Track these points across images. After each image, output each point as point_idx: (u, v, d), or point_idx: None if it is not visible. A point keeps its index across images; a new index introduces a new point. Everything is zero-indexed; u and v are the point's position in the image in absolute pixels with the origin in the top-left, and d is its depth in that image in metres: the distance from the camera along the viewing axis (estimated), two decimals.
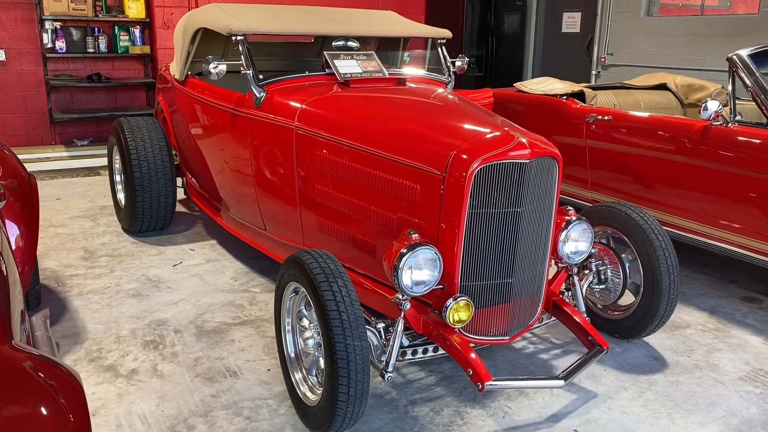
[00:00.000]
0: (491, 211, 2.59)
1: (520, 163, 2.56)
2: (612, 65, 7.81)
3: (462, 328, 2.60)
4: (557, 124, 4.67)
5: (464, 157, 2.54)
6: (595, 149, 4.47)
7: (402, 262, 2.44)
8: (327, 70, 3.65)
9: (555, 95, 4.84)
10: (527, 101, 5.00)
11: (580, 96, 4.80)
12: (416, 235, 2.52)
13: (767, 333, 3.44)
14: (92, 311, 3.58)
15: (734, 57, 3.72)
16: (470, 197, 2.53)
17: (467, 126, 2.84)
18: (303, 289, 2.51)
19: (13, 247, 3.11)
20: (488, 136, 2.63)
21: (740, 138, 3.61)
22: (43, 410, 1.38)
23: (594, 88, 4.97)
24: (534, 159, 2.58)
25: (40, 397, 1.41)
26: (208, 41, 4.51)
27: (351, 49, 3.92)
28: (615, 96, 4.98)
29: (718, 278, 4.19)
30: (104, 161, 6.94)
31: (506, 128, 2.70)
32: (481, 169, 2.52)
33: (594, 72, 8.00)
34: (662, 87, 5.20)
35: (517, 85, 5.23)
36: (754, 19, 6.37)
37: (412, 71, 4.12)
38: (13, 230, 3.12)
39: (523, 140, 2.59)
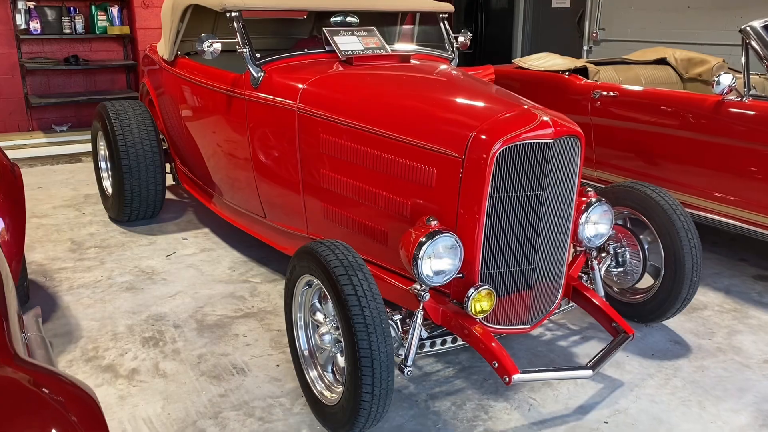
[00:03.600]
0: (512, 194, 2.45)
1: (544, 143, 2.42)
2: (603, 40, 7.66)
3: (482, 317, 2.48)
4: (560, 101, 4.53)
5: (484, 138, 2.39)
6: (601, 126, 4.35)
7: (422, 252, 2.30)
8: (327, 48, 3.47)
9: (557, 71, 4.70)
10: (528, 78, 4.85)
11: (582, 72, 4.66)
12: (435, 222, 2.38)
13: None
14: (85, 307, 3.40)
15: (747, 29, 3.60)
16: (491, 181, 2.39)
17: (485, 105, 2.70)
18: (316, 282, 2.36)
19: None
20: (509, 115, 2.48)
21: (755, 112, 3.50)
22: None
23: (595, 64, 4.83)
24: (557, 138, 2.45)
25: (52, 418, 1.26)
26: (199, 19, 4.29)
27: (350, 24, 3.74)
28: (615, 71, 4.86)
29: (728, 257, 4.12)
30: (86, 147, 6.72)
31: (526, 106, 2.56)
32: (503, 150, 2.37)
33: (585, 47, 7.84)
34: (662, 61, 5.08)
35: (517, 61, 5.07)
36: None
37: (413, 47, 3.95)
38: None
39: (546, 119, 2.45)
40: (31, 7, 6.80)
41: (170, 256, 4.09)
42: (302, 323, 2.55)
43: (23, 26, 6.79)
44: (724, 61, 4.88)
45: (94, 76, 7.44)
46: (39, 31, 6.86)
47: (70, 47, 7.19)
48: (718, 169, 3.75)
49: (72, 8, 7.03)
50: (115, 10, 7.19)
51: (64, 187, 5.61)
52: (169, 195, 5.18)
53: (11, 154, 6.55)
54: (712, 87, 3.56)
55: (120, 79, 7.61)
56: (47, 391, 1.29)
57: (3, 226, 2.95)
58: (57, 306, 3.41)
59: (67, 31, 7.02)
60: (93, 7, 7.12)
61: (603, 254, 3.06)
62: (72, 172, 6.13)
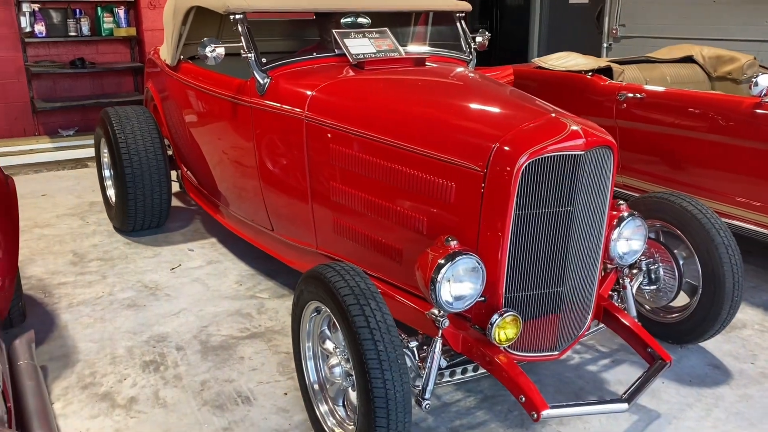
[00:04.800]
0: (540, 211, 2.25)
1: (574, 155, 2.22)
2: (624, 37, 7.43)
3: (507, 345, 2.28)
4: (583, 103, 4.34)
5: (508, 149, 2.20)
6: (627, 130, 4.15)
7: (440, 275, 2.11)
8: (336, 51, 3.28)
9: (579, 71, 4.50)
10: (549, 78, 4.65)
11: (606, 72, 4.45)
12: (455, 242, 2.18)
13: None
14: (83, 326, 3.23)
15: None
16: (516, 196, 2.19)
17: (508, 112, 2.49)
18: (325, 309, 2.18)
19: None
20: (535, 124, 2.28)
21: None
22: None
23: (618, 63, 4.61)
24: (589, 150, 2.24)
25: None
26: (202, 21, 4.13)
27: (362, 26, 3.54)
28: (640, 70, 4.64)
29: (765, 268, 3.89)
30: (92, 151, 6.57)
31: (553, 114, 2.35)
32: (529, 163, 2.17)
33: (605, 45, 7.63)
34: (688, 59, 4.87)
35: (537, 60, 4.87)
36: None
37: (428, 49, 3.76)
38: None
39: (576, 128, 2.25)
40: (36, 9, 6.69)
41: (175, 269, 3.92)
42: (311, 353, 2.37)
43: (28, 29, 6.68)
44: (755, 58, 4.65)
45: (101, 78, 7.32)
46: (44, 34, 6.75)
47: (76, 50, 7.07)
48: (753, 175, 3.54)
49: (77, 10, 6.91)
50: (121, 12, 7.06)
51: (68, 194, 5.47)
52: (176, 202, 5.03)
53: (16, 160, 6.49)
54: (749, 87, 3.36)
55: (127, 81, 7.49)
56: None
57: None
58: (55, 325, 3.25)
59: (73, 34, 6.90)
60: (99, 8, 6.99)
61: (635, 271, 2.86)
62: (78, 178, 6.00)
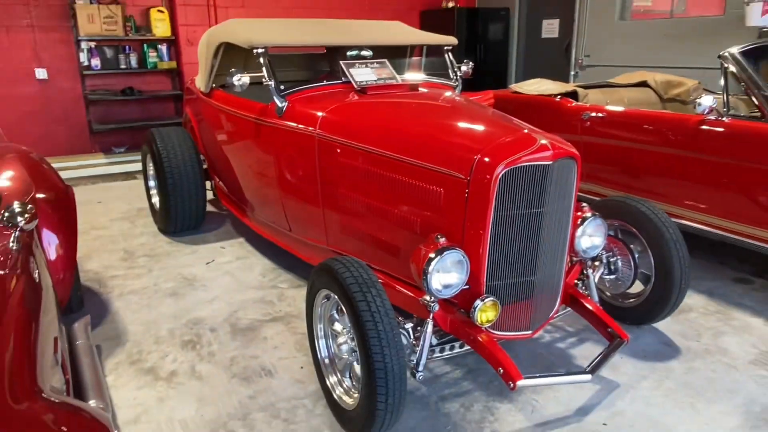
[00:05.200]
0: (514, 212, 2.25)
1: (543, 165, 2.22)
2: (588, 66, 7.43)
3: (488, 326, 2.28)
4: (553, 122, 4.31)
5: (488, 160, 2.20)
6: (590, 144, 4.13)
7: (431, 267, 2.12)
8: (343, 79, 3.28)
9: (550, 95, 4.48)
10: (523, 101, 4.63)
11: (572, 95, 4.43)
12: (443, 239, 2.19)
13: (766, 314, 3.12)
14: (132, 312, 3.24)
15: (726, 54, 3.36)
16: (495, 200, 2.19)
17: (488, 129, 2.49)
18: (334, 296, 2.18)
19: (54, 256, 2.79)
20: (510, 139, 2.28)
21: (735, 131, 3.26)
22: None
23: (583, 88, 4.60)
24: (555, 161, 2.24)
25: None
26: (229, 55, 4.13)
27: (365, 57, 3.55)
28: (602, 94, 4.63)
29: (709, 261, 3.87)
30: (139, 166, 6.58)
31: (526, 130, 2.35)
32: (505, 172, 2.18)
33: (572, 73, 7.62)
34: (643, 84, 4.84)
35: (513, 86, 4.86)
36: (720, 20, 5.99)
37: (421, 77, 3.75)
38: (52, 239, 2.79)
39: (545, 142, 2.25)
40: (93, 46, 6.72)
41: (209, 263, 3.93)
42: (322, 334, 2.37)
43: (86, 63, 6.71)
44: (699, 83, 4.63)
45: (147, 104, 7.32)
46: (99, 67, 6.77)
47: (126, 80, 7.08)
48: (698, 182, 3.51)
49: (127, 47, 6.93)
50: (164, 48, 7.08)
51: (120, 201, 5.48)
52: (210, 208, 5.03)
53: (76, 173, 6.51)
54: (695, 107, 3.34)
55: (169, 106, 7.50)
56: (64, 429, 1.12)
57: (57, 242, 2.82)
58: (108, 311, 3.26)
59: (123, 67, 6.92)
60: (145, 45, 7.01)
61: (597, 263, 2.84)
62: (128, 189, 6.01)
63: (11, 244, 1.96)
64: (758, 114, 3.21)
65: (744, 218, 3.28)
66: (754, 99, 3.23)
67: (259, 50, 3.23)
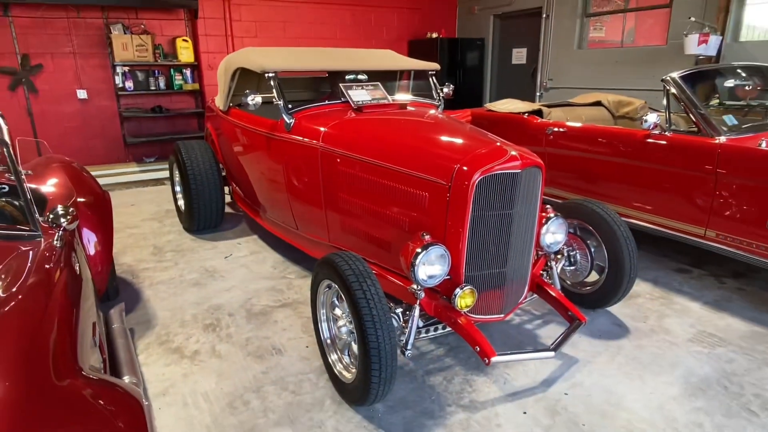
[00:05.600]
0: (489, 213, 2.25)
1: (513, 173, 2.22)
2: (552, 88, 7.44)
3: (466, 310, 2.27)
4: (522, 136, 4.32)
5: (466, 169, 2.20)
6: (553, 154, 4.13)
7: (418, 260, 2.11)
8: (342, 99, 3.27)
9: (518, 113, 4.47)
10: (496, 118, 4.62)
11: (538, 113, 4.43)
12: (428, 236, 2.18)
13: (702, 299, 3.14)
14: (161, 299, 3.22)
15: (668, 78, 3.36)
16: (472, 202, 2.19)
17: (466, 142, 2.48)
18: (335, 286, 2.17)
19: (93, 252, 2.77)
20: (485, 150, 2.27)
21: (675, 143, 3.27)
22: None
23: (547, 107, 4.61)
24: (523, 169, 2.24)
25: (100, 424, 1.06)
26: (244, 78, 4.11)
27: (361, 81, 3.53)
28: (563, 112, 4.63)
29: (653, 254, 3.88)
30: (167, 174, 6.56)
31: (498, 143, 2.35)
32: (481, 179, 2.17)
33: (538, 94, 7.64)
34: (597, 103, 4.85)
35: (487, 105, 4.84)
36: (663, 49, 6.03)
37: (409, 97, 3.74)
38: (92, 237, 2.77)
39: (514, 153, 2.24)
40: (126, 70, 6.67)
41: (228, 257, 3.90)
42: (325, 317, 2.36)
43: (121, 85, 6.66)
44: (646, 102, 4.66)
45: (174, 120, 7.28)
46: (132, 89, 6.72)
47: (155, 100, 7.04)
48: (644, 186, 3.52)
49: (156, 71, 6.88)
50: (188, 72, 7.03)
51: (150, 204, 5.44)
52: (228, 210, 5.00)
53: (113, 180, 6.45)
54: (641, 123, 3.34)
55: (193, 122, 7.45)
56: (101, 401, 1.11)
57: (96, 239, 2.80)
58: (140, 299, 3.23)
59: (153, 88, 6.87)
60: (172, 70, 6.96)
61: (559, 256, 2.83)
62: (157, 193, 5.96)
63: (55, 242, 1.94)
64: (695, 129, 3.22)
65: (682, 217, 3.29)
66: (691, 116, 3.24)
67: (270, 74, 3.21)
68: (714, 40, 5.35)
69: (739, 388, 2.26)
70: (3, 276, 1.64)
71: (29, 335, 1.31)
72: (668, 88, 3.36)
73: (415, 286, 2.17)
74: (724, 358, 2.49)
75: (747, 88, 3.81)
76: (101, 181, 5.83)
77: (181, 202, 4.51)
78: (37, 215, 2.02)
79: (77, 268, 2.02)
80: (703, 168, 3.11)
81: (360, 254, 2.74)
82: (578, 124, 4.03)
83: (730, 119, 3.23)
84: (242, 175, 4.08)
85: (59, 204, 2.26)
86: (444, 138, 2.69)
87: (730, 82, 3.76)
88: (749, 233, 2.95)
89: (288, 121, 3.15)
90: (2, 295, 1.53)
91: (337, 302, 2.27)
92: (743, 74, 3.77)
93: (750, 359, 2.48)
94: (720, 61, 5.49)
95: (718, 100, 3.80)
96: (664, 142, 3.33)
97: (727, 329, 2.76)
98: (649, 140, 3.41)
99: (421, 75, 3.90)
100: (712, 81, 3.85)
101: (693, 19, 5.55)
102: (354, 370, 2.15)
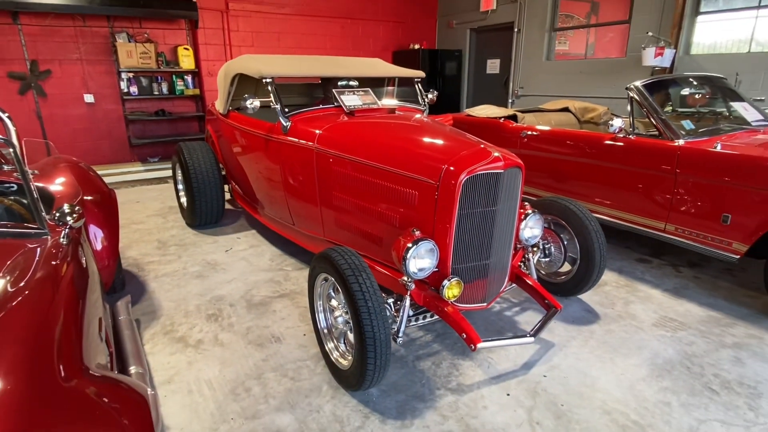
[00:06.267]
0: (474, 210, 2.18)
1: (496, 173, 2.16)
2: (523, 95, 7.43)
3: (453, 300, 2.21)
4: (498, 138, 4.27)
5: (453, 169, 2.13)
6: (527, 156, 4.09)
7: (409, 254, 2.05)
8: (335, 103, 3.17)
9: (495, 118, 4.42)
10: (475, 122, 4.56)
11: (513, 117, 4.39)
12: (418, 232, 2.12)
13: (662, 286, 3.13)
14: (165, 291, 3.09)
15: (632, 86, 3.34)
16: (458, 200, 2.12)
17: (452, 144, 2.41)
18: (331, 279, 2.08)
19: (99, 247, 2.64)
20: (470, 152, 2.21)
21: (638, 145, 3.25)
22: None
23: (521, 112, 4.56)
24: (506, 169, 2.18)
25: (105, 422, 0.97)
26: (243, 83, 3.98)
27: (352, 87, 3.43)
28: (535, 117, 4.60)
29: (618, 245, 3.87)
30: (170, 173, 6.37)
31: (482, 145, 2.28)
32: (467, 179, 2.11)
33: (510, 100, 7.61)
34: (565, 110, 4.83)
35: (467, 110, 4.78)
36: (623, 60, 6.03)
37: (397, 102, 3.65)
38: (98, 233, 2.64)
39: (497, 154, 2.18)
40: (131, 76, 6.44)
41: (228, 251, 3.78)
42: (321, 308, 2.27)
43: (126, 90, 6.43)
44: (608, 108, 4.64)
45: (176, 123, 7.07)
46: (136, 93, 6.50)
47: (159, 104, 6.82)
48: (609, 184, 3.50)
49: (159, 77, 6.66)
50: (189, 78, 6.82)
51: (154, 201, 5.26)
52: (227, 206, 4.86)
53: (119, 179, 6.23)
54: (608, 128, 3.31)
55: (194, 125, 7.25)
56: (106, 400, 1.01)
57: (102, 235, 2.66)
58: (145, 291, 3.10)
59: (156, 93, 6.66)
60: (174, 76, 6.75)
61: (535, 249, 2.79)
62: (161, 191, 5.78)
63: (62, 239, 1.81)
64: (656, 132, 3.20)
65: (645, 213, 3.28)
66: (653, 121, 3.22)
67: (268, 80, 3.09)
68: (668, 53, 5.37)
69: (700, 368, 2.25)
70: (10, 272, 1.52)
71: (35, 331, 1.20)
72: (632, 95, 3.33)
73: (406, 278, 2.11)
74: (685, 340, 2.48)
75: (697, 96, 3.82)
76: (108, 179, 5.64)
77: (183, 200, 4.36)
78: (44, 213, 1.89)
79: (83, 263, 1.90)
80: (663, 168, 3.10)
81: (353, 248, 2.65)
82: (548, 128, 3.99)
83: (688, 124, 3.21)
84: (241, 174, 3.95)
85: (66, 202, 2.13)
86: (431, 140, 2.61)
87: (685, 91, 3.76)
88: (705, 227, 2.95)
89: (285, 124, 3.04)
90: (10, 290, 1.41)
91: (333, 294, 2.19)
92: (696, 84, 3.77)
93: (708, 341, 2.47)
94: (673, 71, 5.52)
95: (671, 107, 3.80)
96: (626, 145, 3.30)
97: (686, 314, 2.75)
98: (615, 143, 3.38)
99: (407, 82, 3.81)
100: (668, 90, 3.85)
101: (650, 34, 5.56)
102: (350, 358, 2.07)
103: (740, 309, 2.79)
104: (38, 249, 1.68)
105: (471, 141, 2.39)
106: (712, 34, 5.36)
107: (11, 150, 2.03)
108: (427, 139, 2.59)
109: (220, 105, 4.12)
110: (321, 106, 3.23)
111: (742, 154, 2.76)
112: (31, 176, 2.00)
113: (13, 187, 2.34)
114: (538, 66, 7.10)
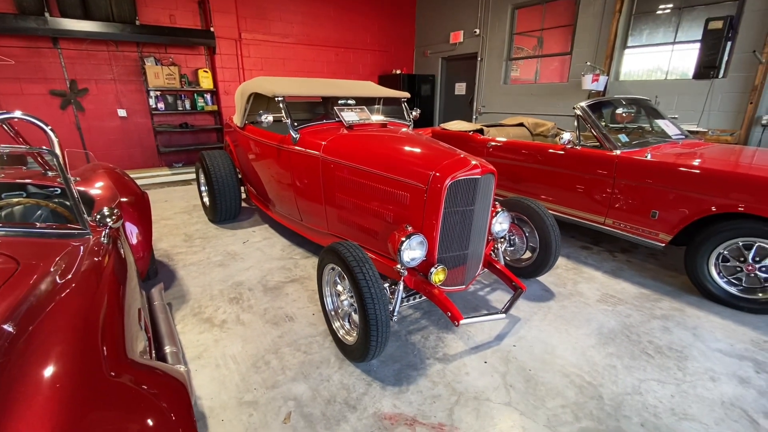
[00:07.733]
0: (456, 209, 2.12)
1: (474, 178, 2.09)
2: (485, 112, 7.39)
3: (439, 284, 2.15)
4: (468, 148, 4.21)
5: (439, 175, 2.06)
6: (493, 163, 4.03)
7: (403, 246, 1.97)
8: (336, 119, 3.05)
9: (466, 131, 4.36)
10: (449, 135, 4.49)
11: (480, 131, 4.33)
12: (410, 227, 2.04)
13: (602, 269, 3.13)
14: (192, 278, 2.95)
15: (579, 105, 3.31)
16: (444, 201, 2.05)
17: (437, 154, 2.33)
18: (338, 268, 1.99)
19: (135, 242, 2.48)
20: (453, 160, 2.14)
21: (583, 154, 3.23)
22: (149, 421, 0.84)
23: (487, 126, 4.51)
24: (482, 175, 2.11)
25: (146, 408, 0.86)
26: (257, 101, 3.82)
27: (350, 105, 3.32)
28: (496, 130, 4.55)
29: (565, 236, 3.88)
30: (194, 176, 6.14)
31: (463, 155, 2.21)
32: (451, 183, 2.04)
33: (474, 117, 7.57)
34: (520, 125, 4.80)
35: (442, 125, 4.71)
36: (565, 85, 6.04)
37: (387, 118, 3.56)
38: (134, 230, 2.49)
39: (475, 162, 2.12)
40: (158, 94, 6.15)
41: (245, 242, 3.64)
42: (329, 293, 2.18)
43: (154, 106, 6.14)
44: (554, 124, 4.63)
45: (197, 134, 6.81)
46: (163, 109, 6.21)
47: (182, 118, 6.55)
48: (559, 186, 3.48)
49: (182, 95, 6.38)
50: (208, 96, 6.56)
51: (180, 200, 5.06)
52: (244, 205, 4.70)
53: (149, 181, 5.96)
54: (558, 140, 3.28)
55: (212, 136, 7.00)
56: (146, 387, 0.91)
57: (137, 231, 2.51)
58: (175, 278, 2.95)
59: (180, 109, 6.38)
60: (195, 94, 6.47)
61: (503, 240, 2.75)
62: (186, 192, 5.56)
63: (102, 239, 1.67)
64: (597, 144, 3.19)
65: (588, 209, 3.27)
66: (594, 134, 3.20)
67: (279, 98, 2.96)
68: (603, 79, 5.39)
69: (637, 336, 2.24)
70: (58, 267, 1.38)
71: (83, 317, 1.08)
72: (578, 113, 3.31)
73: (399, 266, 2.03)
74: (623, 313, 2.47)
75: (624, 114, 3.83)
76: (139, 182, 5.39)
77: (206, 199, 4.19)
78: (85, 215, 1.74)
79: (123, 256, 1.76)
80: (603, 173, 3.09)
81: (354, 241, 2.56)
82: (506, 139, 3.96)
83: (623, 137, 3.21)
84: (256, 177, 3.80)
85: (105, 204, 1.98)
86: (420, 151, 2.53)
87: (619, 110, 3.76)
88: (636, 221, 2.95)
89: (295, 136, 2.91)
90: (59, 281, 1.29)
91: (339, 281, 2.10)
92: (627, 104, 3.78)
93: (642, 314, 2.47)
94: (606, 94, 5.55)
95: (604, 123, 3.80)
96: (572, 154, 3.28)
97: (623, 291, 2.76)
98: (563, 152, 3.36)
99: (396, 101, 3.71)
100: (604, 109, 3.84)
101: (588, 63, 5.57)
102: (355, 335, 2.00)
103: (665, 287, 2.81)
104: (81, 247, 1.54)
105: (452, 151, 2.32)
106: (637, 64, 5.40)
107: (55, 159, 1.87)
108: (415, 150, 2.51)
109: (237, 119, 3.95)
110: (324, 121, 3.12)
111: (667, 162, 2.76)
112: (73, 182, 1.84)
113: (57, 190, 2.17)
114: (497, 89, 7.07)
